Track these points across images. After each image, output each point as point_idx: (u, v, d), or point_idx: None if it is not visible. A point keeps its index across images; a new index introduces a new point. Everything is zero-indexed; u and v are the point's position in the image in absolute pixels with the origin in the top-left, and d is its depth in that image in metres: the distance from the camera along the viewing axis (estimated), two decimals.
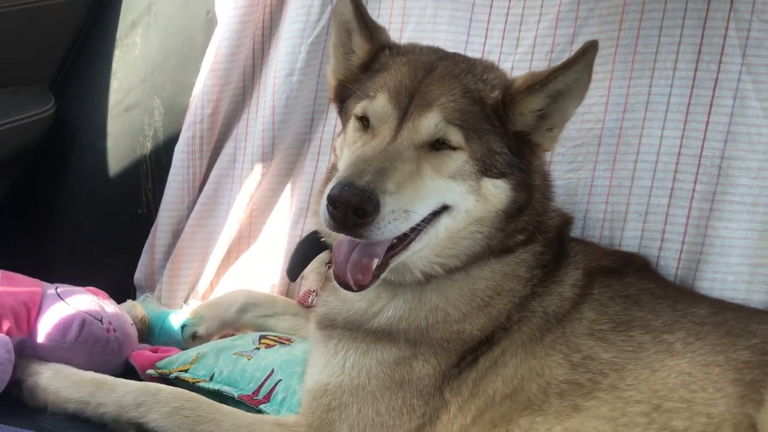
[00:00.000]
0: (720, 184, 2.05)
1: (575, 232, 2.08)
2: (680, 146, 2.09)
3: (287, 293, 2.42)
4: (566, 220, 1.93)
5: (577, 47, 2.12)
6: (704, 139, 2.07)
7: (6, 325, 1.88)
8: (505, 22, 2.28)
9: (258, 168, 2.44)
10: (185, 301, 2.45)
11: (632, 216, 2.12)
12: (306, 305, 2.14)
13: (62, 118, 2.57)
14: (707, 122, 2.06)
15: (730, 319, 1.76)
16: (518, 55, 2.25)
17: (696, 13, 2.08)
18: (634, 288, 1.81)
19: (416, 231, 1.63)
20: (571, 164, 2.19)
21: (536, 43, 2.23)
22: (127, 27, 2.62)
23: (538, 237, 1.79)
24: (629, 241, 2.12)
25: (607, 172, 2.15)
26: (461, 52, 2.26)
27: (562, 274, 1.80)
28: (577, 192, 2.18)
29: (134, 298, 2.46)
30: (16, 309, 1.92)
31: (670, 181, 2.09)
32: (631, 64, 2.14)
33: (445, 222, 1.68)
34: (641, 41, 2.13)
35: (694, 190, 2.07)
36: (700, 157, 2.07)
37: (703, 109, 2.07)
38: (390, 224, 1.53)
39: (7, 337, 1.85)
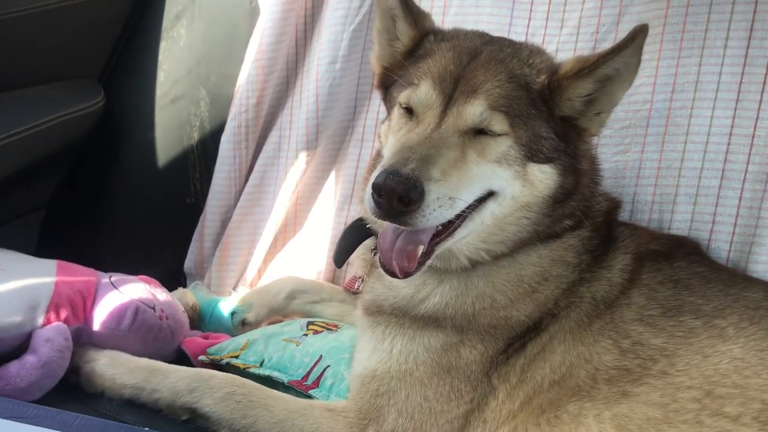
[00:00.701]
0: None
1: (624, 215, 2.06)
2: (731, 126, 2.03)
3: (333, 279, 2.44)
4: (614, 205, 1.90)
5: (623, 27, 2.14)
6: (757, 119, 2.01)
7: (63, 314, 1.95)
8: (549, 3, 2.24)
9: (303, 156, 2.46)
10: (234, 289, 2.49)
11: (682, 198, 2.08)
12: (352, 291, 2.15)
13: (111, 110, 2.63)
14: (760, 101, 2.00)
15: None
16: (563, 36, 2.21)
17: None
18: (685, 272, 1.78)
19: (462, 218, 1.62)
20: (619, 146, 2.15)
21: (581, 24, 2.19)
22: (172, 19, 2.66)
23: (586, 222, 1.77)
24: (679, 224, 2.08)
25: (655, 154, 2.11)
26: (504, 35, 2.25)
27: (611, 258, 1.78)
28: (625, 175, 2.14)
29: (185, 286, 2.52)
30: (72, 298, 1.99)
31: (721, 162, 2.04)
32: (679, 43, 2.09)
33: (491, 208, 1.67)
34: (690, 19, 2.07)
35: (746, 171, 2.01)
36: (753, 137, 2.01)
37: (756, 87, 2.01)
38: (435, 211, 1.52)
39: (65, 326, 1.92)
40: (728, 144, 2.04)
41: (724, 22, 2.04)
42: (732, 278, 1.82)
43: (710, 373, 1.61)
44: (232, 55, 2.59)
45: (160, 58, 2.65)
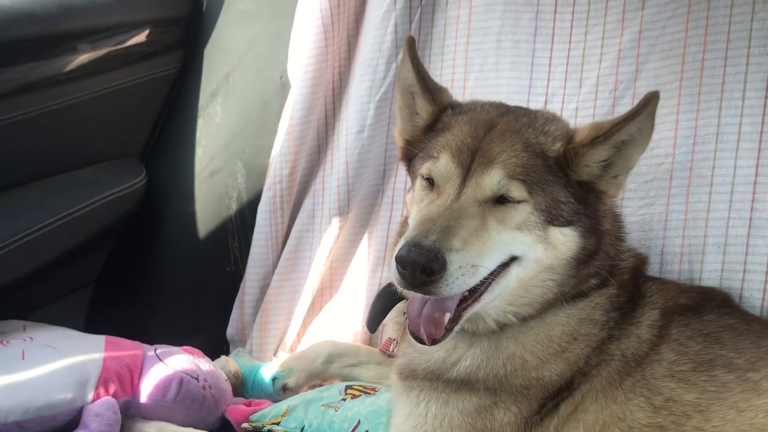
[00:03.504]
0: None
1: (653, 268, 2.07)
2: (756, 175, 2.05)
3: (370, 341, 2.48)
4: (641, 260, 1.92)
5: (640, 83, 2.19)
6: None
7: (112, 388, 2.03)
8: (567, 64, 2.31)
9: (336, 221, 2.54)
10: (275, 354, 2.56)
11: (711, 248, 2.09)
12: (388, 354, 2.19)
13: (153, 186, 2.77)
14: None
15: None
16: (582, 95, 2.27)
17: (761, 41, 2.05)
18: (714, 325, 1.78)
19: (486, 283, 1.66)
20: (644, 200, 2.18)
21: (599, 82, 2.25)
22: (207, 97, 2.80)
23: (612, 280, 1.79)
24: (710, 274, 2.09)
25: (681, 205, 2.13)
26: (525, 96, 2.34)
27: (639, 315, 1.79)
28: (652, 227, 2.16)
29: (228, 353, 2.59)
30: (120, 372, 2.07)
31: (748, 210, 2.06)
32: (697, 96, 2.13)
33: (515, 272, 1.71)
34: (706, 73, 2.11)
35: None
36: None
37: None
38: (458, 280, 1.57)
39: (114, 400, 2.00)
40: (753, 192, 2.06)
41: (740, 74, 2.08)
42: (764, 329, 1.82)
43: (746, 428, 1.60)
44: (265, 128, 2.70)
45: (198, 134, 2.79)
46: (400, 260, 1.55)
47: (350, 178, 2.53)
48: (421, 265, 1.53)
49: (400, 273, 1.57)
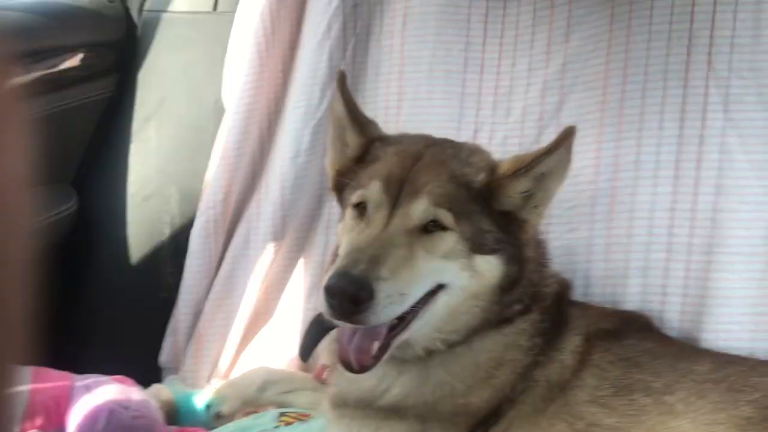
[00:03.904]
0: (715, 236, 2.10)
1: (579, 291, 2.14)
2: (673, 201, 2.15)
3: (306, 368, 2.49)
4: (564, 285, 1.98)
5: (565, 113, 2.28)
6: (696, 194, 2.12)
7: (39, 421, 1.99)
8: (495, 94, 2.37)
9: (271, 247, 2.55)
10: (209, 381, 2.54)
11: (633, 272, 2.17)
12: (322, 380, 2.21)
13: (85, 212, 2.72)
14: (697, 177, 2.13)
15: (731, 374, 1.78)
16: (509, 124, 2.34)
17: (676, 74, 2.15)
18: (634, 349, 1.85)
19: (414, 311, 1.69)
20: (568, 225, 2.25)
21: (526, 111, 2.32)
22: (141, 122, 2.78)
23: (535, 306, 1.85)
24: (632, 296, 2.16)
25: (603, 230, 2.21)
26: (456, 124, 2.40)
27: (563, 340, 1.84)
28: (576, 252, 2.23)
29: (161, 380, 2.56)
30: (47, 404, 2.03)
31: (667, 236, 2.15)
32: (618, 126, 2.22)
33: (442, 299, 1.74)
34: (626, 104, 2.21)
35: (690, 243, 2.12)
36: (695, 210, 2.13)
37: (692, 164, 2.13)
38: (386, 308, 1.59)
39: None
40: (672, 218, 2.15)
41: (657, 105, 2.17)
42: (681, 352, 1.89)
43: None
44: (199, 153, 2.69)
45: (131, 159, 2.76)
46: (328, 290, 1.57)
47: (285, 203, 2.54)
48: (349, 294, 1.55)
49: (328, 303, 1.58)
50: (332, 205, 2.56)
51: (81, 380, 2.18)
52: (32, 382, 2.09)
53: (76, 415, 2.06)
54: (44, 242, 2.59)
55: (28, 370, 2.14)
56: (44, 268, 2.56)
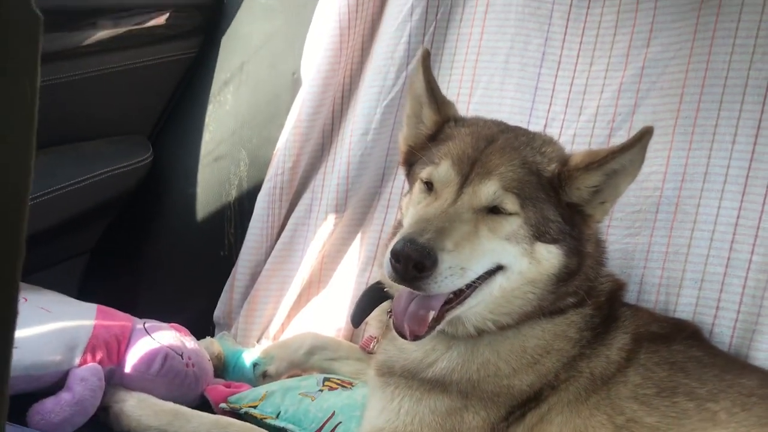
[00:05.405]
0: None
1: (631, 296, 2.15)
2: (737, 217, 2.13)
3: (352, 338, 2.55)
4: (618, 286, 2.00)
5: (637, 118, 2.28)
6: (762, 212, 2.10)
7: (99, 355, 2.09)
8: (569, 92, 2.39)
9: (331, 218, 2.61)
10: (258, 341, 2.62)
11: (688, 283, 2.17)
12: (368, 351, 2.26)
13: (158, 166, 2.83)
14: (765, 194, 2.10)
15: None
16: (581, 123, 2.35)
17: (756, 90, 2.13)
18: (681, 355, 1.86)
19: (472, 288, 1.74)
20: (629, 229, 2.26)
21: (598, 112, 2.33)
22: (220, 84, 2.87)
23: (588, 300, 1.87)
24: (684, 307, 2.16)
25: (664, 238, 2.21)
26: (526, 117, 2.42)
27: (611, 337, 1.87)
28: (634, 257, 2.24)
29: (213, 335, 2.65)
30: (108, 341, 2.13)
31: (727, 250, 2.13)
32: (690, 136, 2.21)
33: (499, 281, 1.78)
34: (701, 114, 2.20)
35: (750, 260, 2.10)
36: (758, 228, 2.10)
37: (761, 181, 2.11)
38: (446, 279, 1.64)
39: (99, 367, 2.05)
40: (734, 234, 2.13)
41: (733, 119, 2.16)
42: (729, 364, 1.90)
43: None
44: (273, 121, 2.78)
45: (207, 119, 2.86)
46: (394, 254, 1.62)
47: (350, 178, 2.60)
48: (414, 260, 1.60)
49: (393, 266, 1.64)
50: (394, 185, 2.62)
51: (140, 323, 2.28)
52: (97, 320, 2.19)
53: (133, 355, 2.16)
54: (117, 189, 2.72)
55: (94, 307, 2.25)
56: (117, 214, 2.69)
